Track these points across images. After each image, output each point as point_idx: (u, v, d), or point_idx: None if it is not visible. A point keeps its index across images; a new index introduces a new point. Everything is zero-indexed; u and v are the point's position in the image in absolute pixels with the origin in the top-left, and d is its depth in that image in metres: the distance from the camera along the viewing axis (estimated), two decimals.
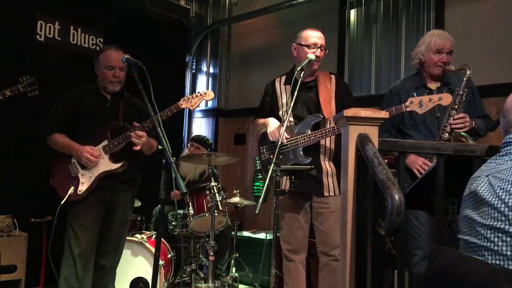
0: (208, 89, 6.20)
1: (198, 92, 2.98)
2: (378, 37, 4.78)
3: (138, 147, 2.89)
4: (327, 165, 2.88)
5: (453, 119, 2.69)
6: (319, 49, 2.88)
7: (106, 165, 2.91)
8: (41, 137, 3.02)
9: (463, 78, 2.74)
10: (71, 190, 2.85)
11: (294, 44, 2.98)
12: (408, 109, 2.54)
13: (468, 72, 2.73)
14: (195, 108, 2.96)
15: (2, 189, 3.83)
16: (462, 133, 2.70)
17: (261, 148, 3.06)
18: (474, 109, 2.86)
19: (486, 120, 2.88)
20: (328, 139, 2.87)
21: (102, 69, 2.99)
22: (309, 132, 2.82)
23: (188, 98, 2.94)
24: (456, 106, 2.72)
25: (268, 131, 2.90)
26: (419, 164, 2.73)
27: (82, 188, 2.88)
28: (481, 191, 1.26)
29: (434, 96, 2.50)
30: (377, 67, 4.76)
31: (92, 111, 2.99)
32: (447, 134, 2.70)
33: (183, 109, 2.97)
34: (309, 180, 2.88)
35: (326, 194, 2.86)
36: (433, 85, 2.90)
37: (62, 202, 2.81)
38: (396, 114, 2.61)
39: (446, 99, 2.50)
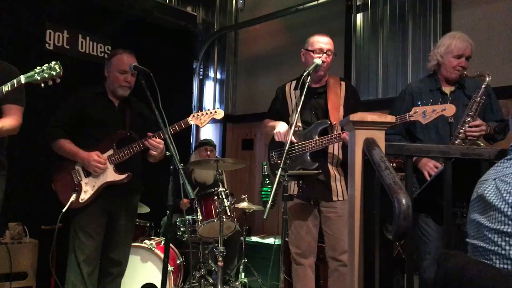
0: (215, 95, 6.31)
1: (208, 110, 2.93)
2: (384, 41, 4.78)
3: (155, 155, 2.87)
4: (334, 170, 2.89)
5: (468, 127, 2.65)
6: (325, 54, 2.88)
7: (110, 175, 2.87)
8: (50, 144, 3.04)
9: (481, 84, 2.68)
10: (73, 198, 2.80)
11: (302, 50, 3.00)
12: (411, 118, 2.53)
13: (487, 79, 2.67)
14: (204, 125, 2.91)
15: (12, 196, 3.85)
16: (478, 142, 2.67)
17: (270, 152, 3.08)
18: (491, 113, 2.82)
19: (497, 125, 2.82)
20: (335, 145, 2.88)
21: (113, 72, 2.94)
22: (316, 137, 2.82)
23: (198, 115, 2.89)
24: (472, 113, 2.66)
25: (274, 131, 2.91)
26: (430, 166, 2.70)
27: (85, 196, 2.84)
28: (488, 195, 1.25)
29: (438, 107, 2.48)
30: (384, 70, 4.75)
31: (98, 117, 2.93)
32: (459, 140, 2.66)
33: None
34: (317, 185, 2.88)
35: (334, 198, 2.86)
36: (447, 89, 2.85)
37: (63, 210, 2.77)
38: (400, 122, 2.59)
39: (449, 110, 2.48)
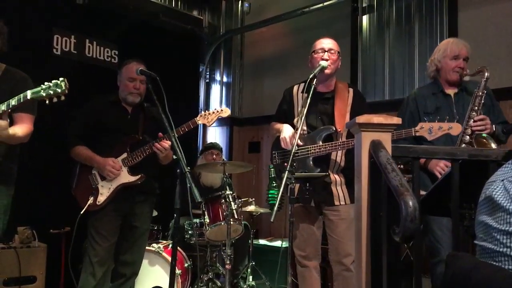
0: (222, 98, 6.33)
1: (215, 109, 3.02)
2: (391, 42, 4.77)
3: (160, 156, 2.96)
4: (335, 176, 2.88)
5: (473, 121, 2.67)
6: (326, 52, 2.89)
7: (124, 177, 2.98)
8: (58, 148, 3.08)
9: (481, 80, 2.73)
10: (90, 201, 2.93)
11: (309, 56, 3.01)
12: (417, 133, 2.55)
13: (486, 74, 2.72)
14: (211, 124, 3.01)
15: (21, 200, 3.87)
16: (484, 135, 2.67)
17: (273, 152, 3.08)
18: (493, 115, 2.84)
19: (505, 126, 2.85)
20: (338, 152, 2.87)
21: (123, 80, 3.07)
22: (320, 143, 2.82)
23: (205, 114, 2.99)
24: (476, 107, 2.71)
25: (280, 137, 2.91)
26: (441, 166, 2.71)
27: (101, 199, 2.95)
28: (496, 196, 1.25)
29: (444, 125, 2.51)
30: (390, 72, 4.74)
31: (113, 124, 3.06)
32: (468, 136, 2.68)
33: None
34: (320, 189, 2.87)
35: (336, 203, 2.86)
36: (450, 91, 2.89)
37: (81, 212, 2.90)
38: (405, 135, 2.59)
39: (455, 129, 2.51)
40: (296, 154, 2.83)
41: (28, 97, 2.30)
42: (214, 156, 4.52)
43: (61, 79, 2.32)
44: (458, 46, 2.85)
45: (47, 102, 2.32)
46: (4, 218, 2.50)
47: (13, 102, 2.31)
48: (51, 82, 2.31)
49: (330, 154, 2.85)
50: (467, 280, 1.19)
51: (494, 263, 1.22)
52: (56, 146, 3.12)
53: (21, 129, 2.49)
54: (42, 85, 2.31)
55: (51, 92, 2.29)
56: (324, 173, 2.81)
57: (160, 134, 2.91)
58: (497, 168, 1.46)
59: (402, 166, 3.69)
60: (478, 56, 3.58)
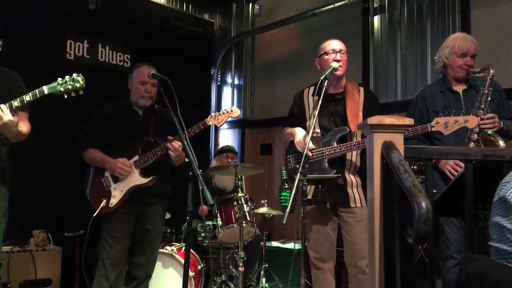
0: (233, 100, 6.35)
1: (225, 109, 3.04)
2: (402, 43, 4.74)
3: (173, 157, 2.97)
4: (351, 177, 2.87)
5: (480, 119, 2.65)
6: (338, 53, 2.88)
7: (136, 179, 2.99)
8: (73, 152, 3.11)
9: (487, 78, 2.72)
10: (103, 203, 2.95)
11: (315, 58, 3.00)
12: (433, 129, 2.53)
13: (491, 71, 2.71)
14: (221, 125, 3.03)
15: (36, 204, 3.94)
16: (490, 132, 2.66)
17: (288, 156, 3.08)
18: (503, 110, 2.82)
19: None
20: (353, 152, 2.85)
21: (135, 84, 3.09)
22: (335, 144, 2.81)
23: (215, 115, 3.01)
24: (483, 105, 2.69)
25: (295, 141, 2.91)
26: (450, 165, 2.69)
27: (114, 201, 2.97)
28: (510, 197, 1.24)
29: (460, 118, 2.48)
30: (402, 73, 4.71)
31: (124, 127, 3.08)
32: (476, 135, 2.67)
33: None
34: (335, 191, 2.86)
35: (352, 205, 2.84)
36: (459, 88, 2.88)
37: (94, 215, 2.92)
38: (421, 132, 2.58)
39: (471, 121, 2.48)
40: (311, 157, 2.83)
41: (45, 92, 2.31)
42: (229, 159, 4.54)
43: (75, 74, 2.34)
44: (466, 43, 2.82)
45: (65, 97, 2.34)
46: (4, 221, 2.51)
47: (27, 98, 2.32)
48: (66, 78, 2.33)
49: (345, 154, 2.84)
50: (481, 282, 1.19)
51: (509, 264, 1.21)
52: (71, 150, 3.15)
53: (25, 126, 2.51)
54: (58, 80, 2.33)
55: (69, 86, 2.31)
56: (336, 175, 2.80)
57: (170, 137, 2.92)
58: (511, 169, 1.45)
59: (415, 167, 3.67)
60: (491, 56, 3.53)
